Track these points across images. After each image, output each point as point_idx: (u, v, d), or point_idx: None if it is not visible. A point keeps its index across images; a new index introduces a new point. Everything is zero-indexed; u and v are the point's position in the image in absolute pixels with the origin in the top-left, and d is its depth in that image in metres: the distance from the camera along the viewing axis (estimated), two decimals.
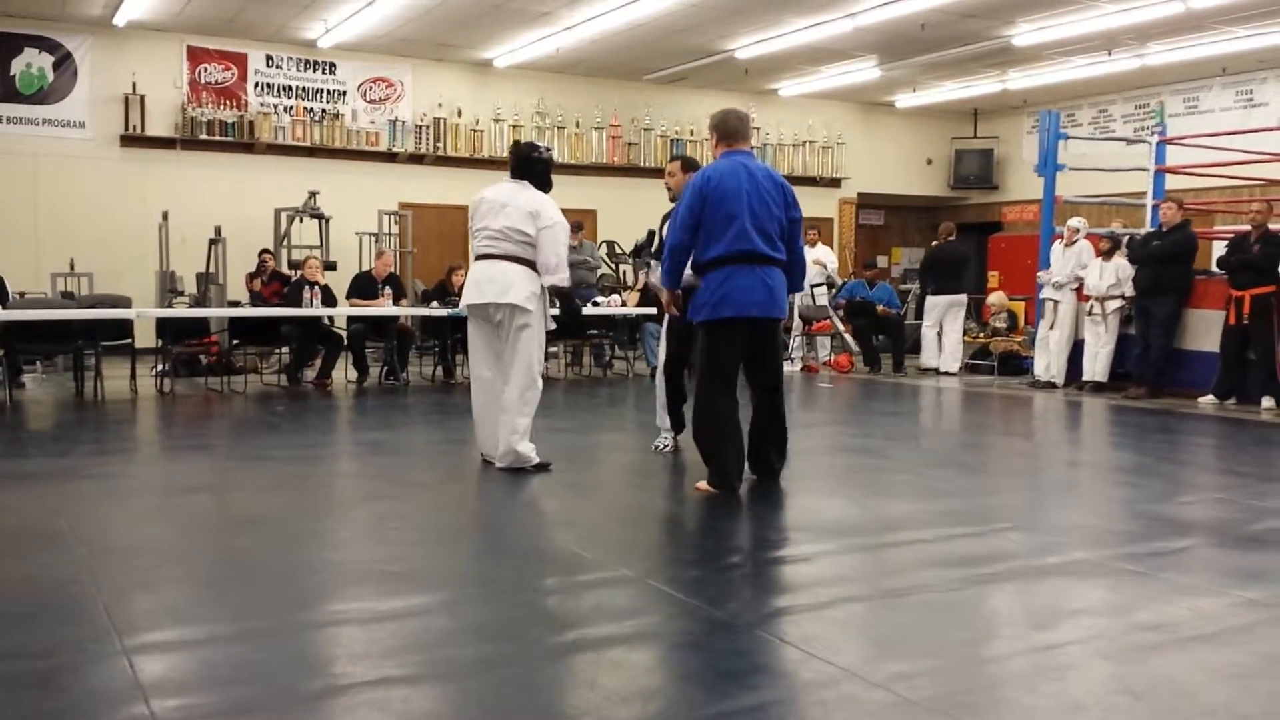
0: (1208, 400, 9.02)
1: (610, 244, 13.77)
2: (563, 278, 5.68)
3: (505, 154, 14.51)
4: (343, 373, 10.20)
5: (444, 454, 6.62)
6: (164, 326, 9.58)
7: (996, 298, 12.62)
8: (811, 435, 7.94)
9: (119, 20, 12.16)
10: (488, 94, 14.68)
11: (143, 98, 12.77)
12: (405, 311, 10.37)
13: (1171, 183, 11.35)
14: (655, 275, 6.39)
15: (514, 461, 5.63)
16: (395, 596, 3.53)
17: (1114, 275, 9.88)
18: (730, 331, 5.04)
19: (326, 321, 10.11)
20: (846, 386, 10.70)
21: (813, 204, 16.91)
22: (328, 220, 12.61)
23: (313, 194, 12.38)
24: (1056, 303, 10.36)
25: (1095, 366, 10.01)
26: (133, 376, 9.36)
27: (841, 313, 12.29)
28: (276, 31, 12.93)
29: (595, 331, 11.35)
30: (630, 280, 12.85)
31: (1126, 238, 10.36)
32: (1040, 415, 9.03)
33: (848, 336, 12.16)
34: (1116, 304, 9.87)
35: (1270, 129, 12.33)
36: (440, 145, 14.41)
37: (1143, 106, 15.80)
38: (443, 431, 7.58)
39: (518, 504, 5.28)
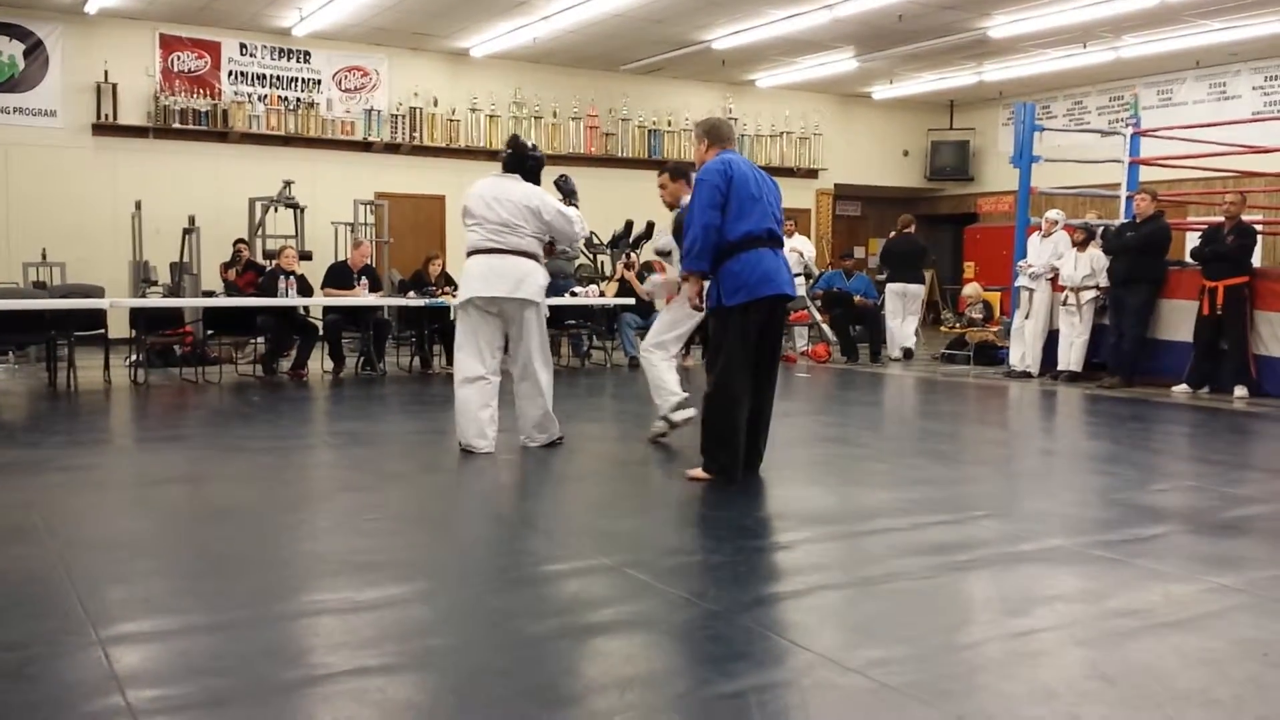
0: (1181, 389, 9.09)
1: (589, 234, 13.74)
2: (582, 238, 6.24)
3: (482, 144, 14.56)
4: (319, 363, 10.15)
5: (421, 444, 6.59)
6: (138, 317, 9.51)
7: (972, 288, 12.69)
8: (789, 425, 7.94)
9: (90, 8, 12.05)
10: (464, 84, 14.63)
11: (115, 86, 12.65)
12: (382, 301, 10.32)
13: (1145, 174, 11.42)
14: (672, 270, 6.31)
15: (551, 436, 6.03)
16: (373, 587, 3.52)
17: (1089, 266, 9.94)
18: (759, 312, 5.02)
19: (302, 311, 10.05)
20: (824, 376, 10.72)
21: (790, 195, 16.75)
22: (303, 210, 12.54)
23: (287, 183, 12.30)
24: (1031, 292, 10.42)
25: (1070, 356, 10.08)
26: (106, 367, 9.28)
27: (819, 303, 12.32)
28: (250, 19, 12.83)
29: (573, 322, 11.33)
30: (609, 270, 12.83)
31: (1101, 229, 10.42)
32: (1016, 405, 9.08)
33: (825, 327, 12.18)
34: (1091, 294, 9.93)
35: (1243, 121, 12.46)
36: (416, 135, 14.35)
37: (1117, 99, 15.91)
38: (420, 422, 7.55)
39: (496, 494, 5.27)
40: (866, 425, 7.74)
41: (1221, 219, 9.35)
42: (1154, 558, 3.99)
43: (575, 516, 4.78)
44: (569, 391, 9.40)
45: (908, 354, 12.44)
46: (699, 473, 5.13)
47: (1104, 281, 9.82)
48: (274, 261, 10.31)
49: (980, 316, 12.20)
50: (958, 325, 12.47)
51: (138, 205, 11.84)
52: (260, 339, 10.18)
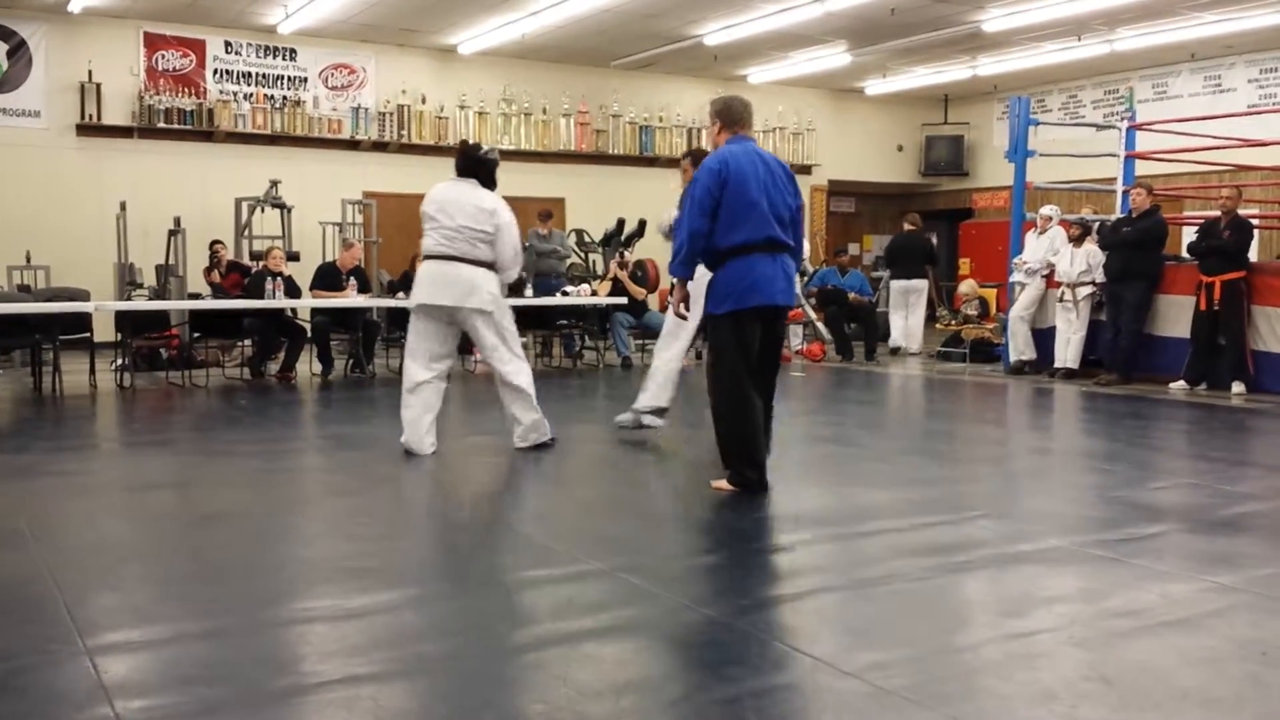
0: (1179, 386, 9.08)
1: (579, 233, 13.70)
2: (515, 273, 6.09)
3: (471, 142, 14.45)
4: (307, 365, 10.09)
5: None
6: (123, 320, 9.43)
7: (968, 285, 12.69)
8: (785, 425, 7.87)
9: (74, 7, 11.97)
10: (452, 81, 14.57)
11: (99, 86, 12.57)
12: (371, 303, 10.26)
13: (1141, 168, 11.40)
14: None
15: (540, 437, 5.96)
16: (363, 593, 3.48)
17: (1085, 261, 9.91)
18: (753, 320, 4.87)
19: (290, 313, 9.99)
20: (819, 375, 10.70)
21: None
22: (290, 210, 12.46)
23: (274, 183, 12.22)
24: (1023, 285, 10.42)
25: (1067, 353, 10.05)
26: (92, 371, 9.22)
27: (813, 301, 12.30)
28: (235, 17, 12.76)
29: (565, 322, 11.28)
30: (600, 269, 12.79)
31: (1097, 224, 10.41)
32: (1012, 402, 9.06)
33: (820, 325, 12.16)
34: (1087, 290, 9.91)
35: (1238, 114, 12.44)
36: (404, 133, 14.29)
37: (1112, 92, 15.90)
38: None
39: (488, 498, 5.23)
40: (863, 424, 7.71)
41: (1218, 213, 9.34)
42: (1152, 557, 3.96)
43: (568, 520, 4.74)
44: (561, 393, 9.37)
45: (895, 351, 12.62)
46: (724, 484, 4.94)
47: (1100, 277, 9.79)
48: (261, 262, 10.25)
49: (976, 313, 12.19)
50: (953, 322, 12.45)
51: (123, 206, 11.76)
52: (248, 341, 10.11)
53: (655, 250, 10.46)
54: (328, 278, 10.20)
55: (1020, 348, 10.45)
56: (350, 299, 9.96)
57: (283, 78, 13.64)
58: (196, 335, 9.88)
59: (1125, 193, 10.45)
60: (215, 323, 9.83)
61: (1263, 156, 11.10)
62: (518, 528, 4.53)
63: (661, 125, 15.85)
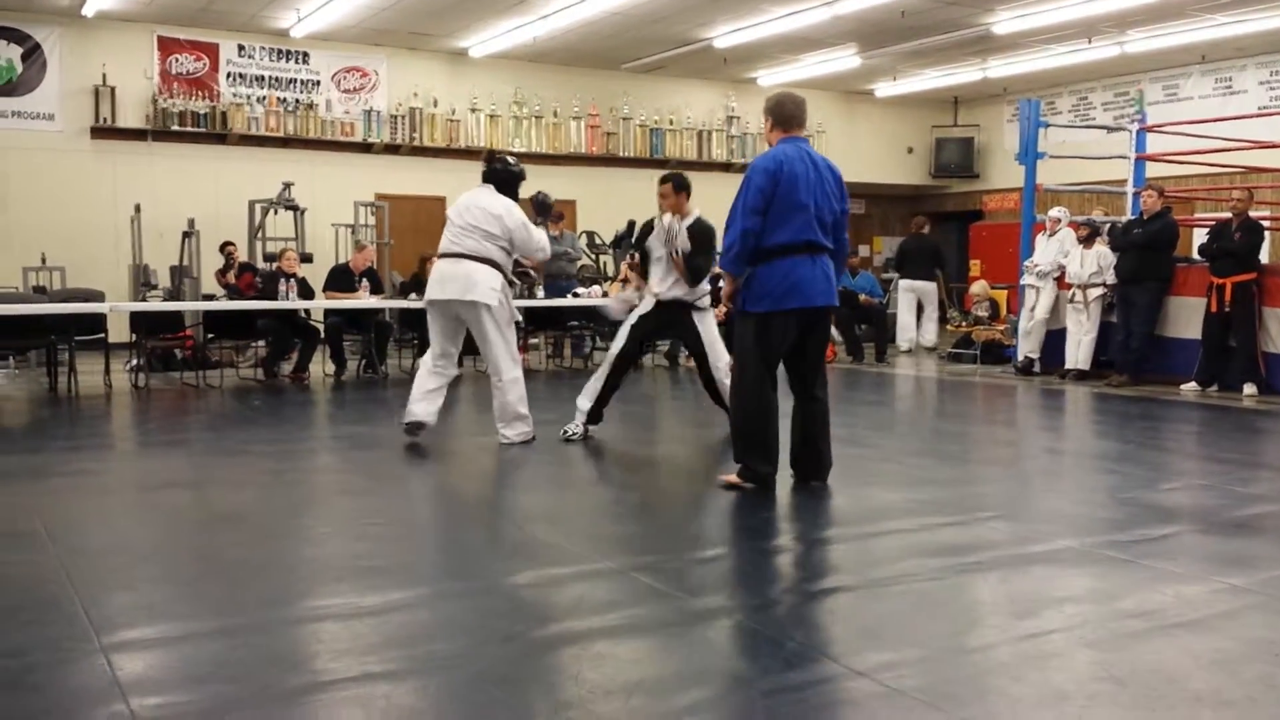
0: (1190, 387, 9.05)
1: (590, 234, 13.72)
2: (540, 255, 6.53)
3: (482, 144, 14.52)
4: (320, 366, 10.12)
5: (423, 448, 6.56)
6: (138, 321, 9.49)
7: (979, 286, 12.64)
8: None
9: (88, 10, 12.02)
10: (464, 84, 14.60)
11: (113, 89, 12.62)
12: (383, 304, 10.29)
13: (1152, 170, 11.38)
14: (628, 291, 6.50)
15: (522, 435, 6.17)
16: (375, 592, 3.49)
17: (1095, 263, 9.89)
18: (787, 322, 4.89)
19: (303, 314, 10.02)
20: (830, 376, 10.64)
21: None
22: (303, 212, 12.51)
23: (287, 185, 12.27)
24: (1038, 290, 10.40)
25: (1078, 355, 10.03)
26: (107, 372, 9.26)
27: None
28: (248, 21, 12.81)
29: (576, 323, 11.29)
30: (611, 271, 12.79)
31: (1107, 225, 10.38)
32: (1023, 404, 9.04)
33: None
34: (1098, 292, 9.89)
35: (1249, 116, 12.39)
36: (416, 135, 14.32)
37: (1123, 94, 15.86)
38: None
39: (499, 497, 5.24)
40: (873, 425, 7.70)
41: (1229, 215, 9.31)
42: (1164, 558, 3.96)
43: (579, 519, 4.75)
44: (571, 393, 9.34)
45: (908, 352, 12.73)
46: (733, 478, 4.99)
47: (1111, 279, 9.77)
48: (275, 264, 10.28)
49: (987, 315, 12.15)
50: (964, 324, 12.43)
51: (137, 209, 11.81)
52: (261, 342, 10.15)
53: None
54: (340, 279, 10.24)
55: (1032, 349, 10.43)
56: (363, 300, 9.99)
57: (295, 81, 13.69)
58: (210, 336, 9.92)
59: (1136, 195, 10.43)
60: (229, 323, 9.88)
61: (1274, 158, 11.04)
62: (529, 527, 4.54)
63: (672, 128, 15.85)
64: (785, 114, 5.05)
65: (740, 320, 4.98)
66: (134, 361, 9.61)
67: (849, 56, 14.56)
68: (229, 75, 13.33)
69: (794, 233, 4.79)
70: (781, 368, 5.06)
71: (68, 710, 2.56)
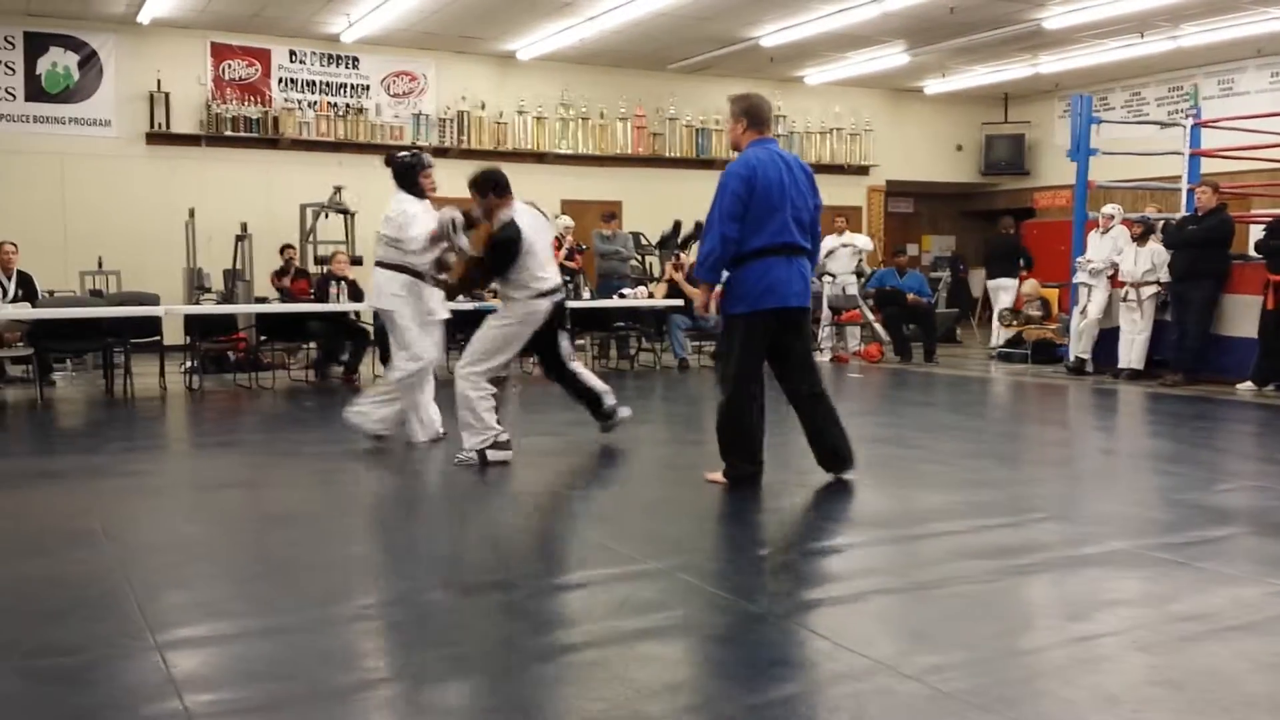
0: (1246, 387, 8.89)
1: (636, 235, 13.73)
2: (423, 257, 6.10)
3: (529, 146, 14.61)
4: (370, 367, 10.21)
5: None
6: (192, 323, 9.64)
7: (1030, 285, 12.48)
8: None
9: (143, 18, 12.23)
10: (511, 86, 14.67)
11: (167, 95, 12.83)
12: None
13: (1207, 166, 11.19)
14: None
15: (376, 428, 6.28)
16: (423, 591, 3.52)
17: (1149, 261, 9.75)
18: (766, 322, 4.99)
19: (354, 316, 10.13)
20: (877, 377, 10.62)
21: (841, 192, 16.78)
22: (353, 215, 12.62)
23: (338, 189, 12.40)
24: (1090, 288, 10.27)
25: (1131, 354, 9.89)
26: (161, 374, 9.41)
27: (871, 302, 12.21)
28: (299, 27, 12.97)
29: (622, 324, 11.31)
30: (657, 272, 12.80)
31: (1161, 223, 10.22)
32: (1075, 403, 8.93)
33: (877, 326, 12.06)
34: (1152, 290, 9.74)
35: None
36: (464, 138, 14.41)
37: (1176, 89, 15.60)
38: None
39: (547, 498, 5.26)
40: (921, 426, 7.63)
41: None
42: (1219, 560, 3.89)
43: (626, 520, 4.76)
44: (619, 395, 9.37)
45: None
46: (717, 476, 5.10)
47: (1165, 277, 9.63)
48: (325, 267, 10.40)
49: (1038, 314, 12.00)
50: (1014, 323, 12.29)
51: (191, 213, 11.99)
52: (313, 344, 10.27)
53: None
54: None
55: (1084, 348, 10.30)
56: None
57: (345, 85, 13.84)
58: (263, 338, 10.06)
59: (1190, 191, 10.27)
60: (281, 326, 10.00)
61: None
62: (576, 527, 4.56)
63: (718, 128, 15.79)
64: (761, 116, 5.20)
65: (727, 324, 5.09)
66: (188, 364, 9.75)
67: (897, 54, 14.45)
68: (280, 81, 13.50)
69: (770, 236, 4.91)
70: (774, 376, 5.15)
71: (124, 706, 2.61)
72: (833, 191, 16.92)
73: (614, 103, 15.24)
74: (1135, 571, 3.77)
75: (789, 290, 4.97)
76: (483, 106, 14.51)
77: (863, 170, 17.09)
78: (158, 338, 9.41)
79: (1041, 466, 6.17)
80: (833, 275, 11.98)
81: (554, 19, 12.59)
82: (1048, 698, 2.65)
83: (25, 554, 4.06)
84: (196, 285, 11.54)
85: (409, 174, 6.24)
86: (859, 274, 12.21)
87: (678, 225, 12.03)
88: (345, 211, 12.51)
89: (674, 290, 11.04)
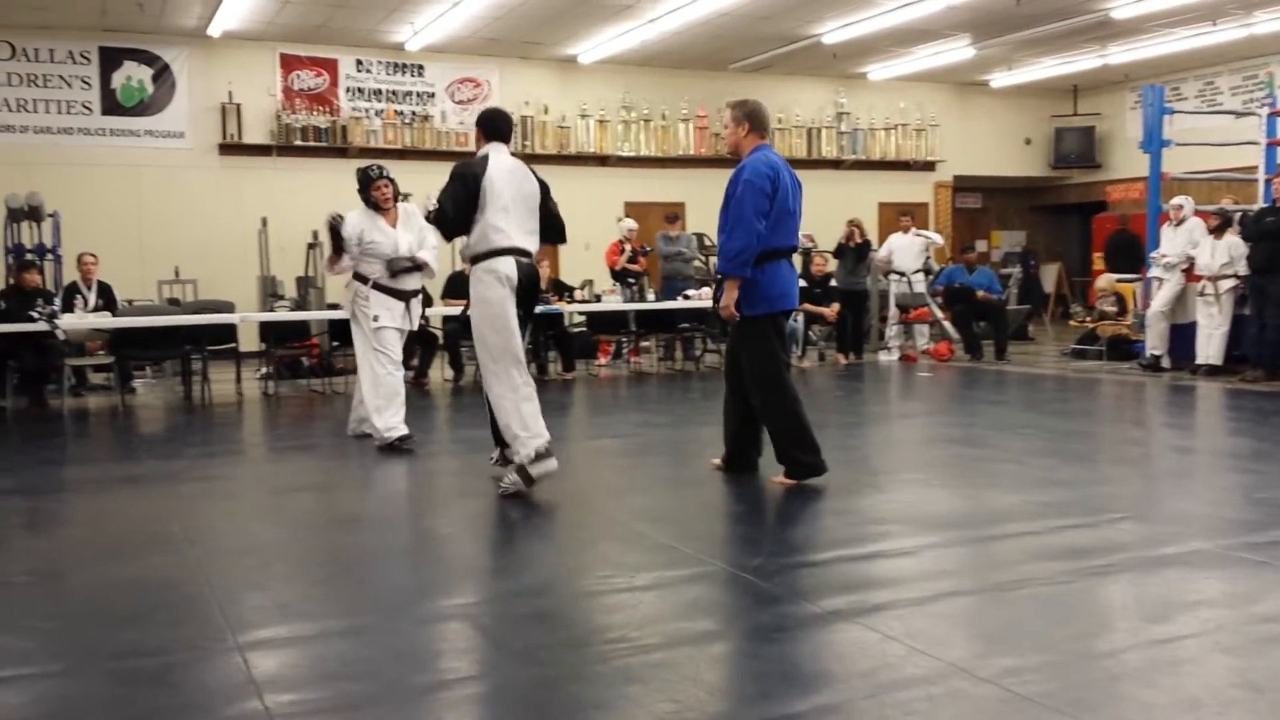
0: None
1: (699, 236, 13.72)
2: (365, 266, 6.69)
3: (592, 150, 14.66)
4: (439, 371, 10.34)
5: None
6: (267, 330, 9.84)
7: (1105, 280, 12.25)
8: (910, 426, 7.81)
9: (214, 30, 12.48)
10: (573, 90, 14.74)
11: (239, 106, 13.09)
12: None
13: None
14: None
15: (359, 428, 6.84)
16: (497, 591, 3.56)
17: (1226, 254, 9.53)
18: (779, 322, 5.18)
19: (423, 322, 10.22)
20: (947, 375, 10.50)
21: (907, 188, 16.66)
22: None
23: (405, 196, 12.53)
24: (1160, 280, 10.06)
25: (1209, 349, 9.67)
26: (238, 380, 9.61)
27: (939, 299, 12.07)
28: (366, 36, 13.15)
29: (686, 325, 11.31)
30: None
31: (1238, 214, 9.98)
32: (1152, 400, 8.75)
33: (946, 324, 11.92)
34: (1230, 283, 9.51)
35: None
36: (528, 143, 14.50)
37: (1251, 78, 15.21)
38: None
39: (612, 499, 5.28)
40: (993, 425, 7.53)
41: None
42: None
43: (691, 521, 4.76)
44: (683, 395, 9.40)
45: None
46: (785, 480, 5.12)
47: (1243, 270, 9.39)
48: None
49: (1113, 309, 11.77)
50: (1088, 319, 12.07)
51: (264, 222, 12.24)
52: None
53: None
54: (458, 287, 10.41)
55: (1156, 344, 10.10)
56: None
57: (411, 93, 14.01)
58: (335, 344, 10.20)
59: (1268, 181, 10.02)
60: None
61: None
62: (645, 528, 4.56)
63: (781, 126, 15.73)
64: (762, 121, 5.30)
65: (752, 327, 5.13)
66: (263, 370, 9.94)
67: (963, 47, 14.27)
68: (348, 90, 13.71)
69: (785, 238, 5.09)
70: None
71: (205, 706, 2.66)
72: (899, 188, 16.91)
73: (676, 104, 15.24)
74: (1216, 572, 3.69)
75: (794, 291, 5.23)
76: (546, 111, 14.60)
77: (929, 166, 16.90)
78: (234, 345, 9.63)
79: (1117, 465, 6.05)
80: (900, 272, 11.86)
81: (615, 22, 12.63)
82: (1126, 701, 2.61)
83: (108, 558, 4.17)
84: (270, 293, 11.77)
85: (364, 184, 6.79)
86: (927, 271, 12.08)
87: None
88: None
89: None
